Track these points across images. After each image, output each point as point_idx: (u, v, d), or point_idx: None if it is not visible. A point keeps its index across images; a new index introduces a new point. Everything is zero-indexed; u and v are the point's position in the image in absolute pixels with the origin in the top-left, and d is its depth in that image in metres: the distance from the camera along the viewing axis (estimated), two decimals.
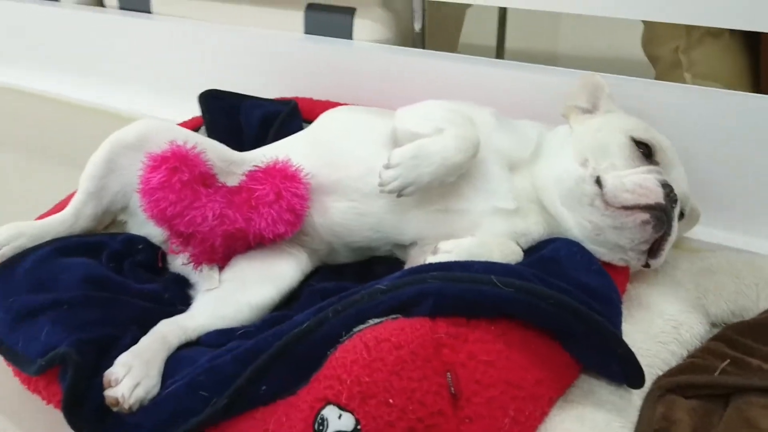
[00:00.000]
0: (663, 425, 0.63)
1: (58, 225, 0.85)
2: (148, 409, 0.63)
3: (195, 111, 1.15)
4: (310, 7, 1.32)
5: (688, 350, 0.75)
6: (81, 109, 1.56)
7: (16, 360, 0.70)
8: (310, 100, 1.19)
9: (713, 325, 0.79)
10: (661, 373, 0.70)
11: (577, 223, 0.78)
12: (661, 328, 0.75)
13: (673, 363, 0.72)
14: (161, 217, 0.77)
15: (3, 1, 1.70)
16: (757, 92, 0.97)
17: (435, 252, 0.73)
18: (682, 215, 0.80)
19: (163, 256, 0.88)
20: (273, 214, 0.78)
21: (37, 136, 1.46)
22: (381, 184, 0.75)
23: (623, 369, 0.65)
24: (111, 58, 1.57)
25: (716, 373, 0.68)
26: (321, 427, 0.58)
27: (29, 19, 1.67)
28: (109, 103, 1.53)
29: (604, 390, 0.67)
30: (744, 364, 0.69)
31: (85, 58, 1.61)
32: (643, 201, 0.73)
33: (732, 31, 1.03)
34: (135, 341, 0.69)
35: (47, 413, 0.71)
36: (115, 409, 0.62)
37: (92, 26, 1.56)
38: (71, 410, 0.63)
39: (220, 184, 0.81)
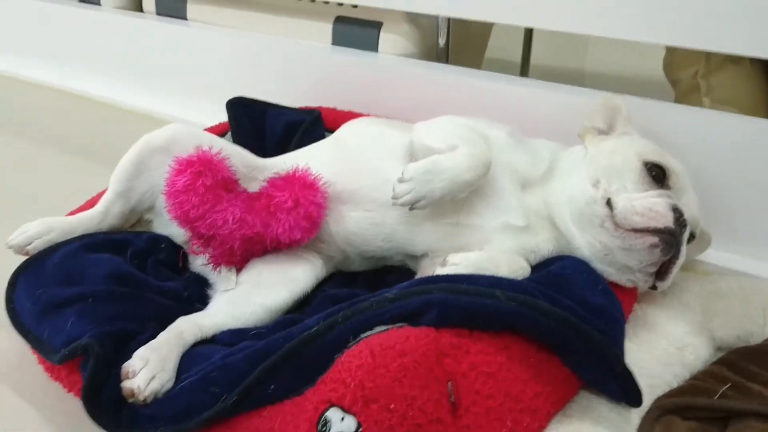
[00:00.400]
0: None
1: (87, 221, 0.89)
2: (161, 401, 0.66)
3: (223, 116, 1.19)
4: (339, 20, 1.35)
5: (692, 373, 0.75)
6: (116, 110, 1.61)
7: (42, 349, 0.73)
8: (334, 110, 1.22)
9: (718, 348, 0.80)
10: (661, 394, 0.71)
11: (587, 243, 0.79)
12: (665, 349, 0.76)
13: (675, 384, 0.73)
14: (184, 219, 0.80)
15: (45, 3, 1.77)
16: None
17: (444, 264, 0.75)
18: (692, 238, 0.81)
19: (185, 256, 0.91)
20: (290, 220, 0.80)
21: (72, 135, 1.51)
22: (394, 197, 0.78)
23: (621, 387, 0.66)
24: (146, 62, 1.61)
25: (716, 397, 0.69)
26: (324, 428, 0.59)
27: (70, 21, 1.73)
28: (142, 105, 1.58)
29: (603, 407, 0.68)
30: (745, 388, 0.69)
31: (121, 60, 1.66)
32: (653, 224, 0.74)
33: (752, 59, 1.03)
34: (153, 336, 0.72)
35: (67, 401, 0.74)
36: (130, 400, 0.65)
37: (130, 30, 1.62)
38: (90, 399, 0.66)
39: (241, 190, 0.84)
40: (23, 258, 0.83)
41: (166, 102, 1.56)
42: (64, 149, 1.42)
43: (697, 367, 0.76)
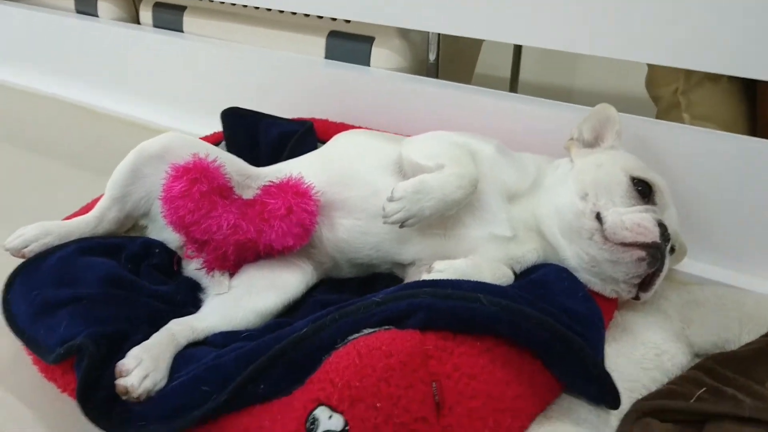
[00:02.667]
0: None
1: (83, 226, 0.90)
2: (154, 400, 0.67)
3: (218, 126, 1.21)
4: (332, 34, 1.38)
5: (670, 378, 0.77)
6: (112, 120, 1.62)
7: (37, 349, 0.75)
8: (326, 121, 1.24)
9: (696, 355, 0.82)
10: (640, 398, 0.74)
11: (575, 254, 0.82)
12: (643, 354, 0.78)
13: (653, 389, 0.75)
14: (180, 224, 0.82)
15: (43, 14, 1.79)
16: (753, 136, 1.00)
17: (429, 270, 0.77)
18: (672, 250, 0.84)
19: (179, 261, 0.93)
20: (283, 227, 0.82)
21: (68, 144, 1.52)
22: (385, 216, 0.79)
23: (600, 390, 0.68)
24: (143, 73, 1.63)
25: (692, 400, 0.71)
26: (312, 426, 0.61)
27: (67, 33, 1.75)
28: (138, 115, 1.59)
29: (583, 409, 0.70)
30: (720, 392, 0.72)
31: (118, 71, 1.68)
32: (641, 239, 0.76)
33: (730, 77, 1.06)
34: (146, 338, 0.73)
35: (62, 401, 0.75)
36: (124, 397, 0.67)
37: (127, 42, 1.63)
38: (84, 397, 0.67)
39: (236, 197, 0.86)
40: (20, 261, 0.85)
41: (162, 113, 1.58)
42: (58, 158, 1.44)
43: (674, 372, 0.78)
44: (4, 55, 1.94)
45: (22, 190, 1.31)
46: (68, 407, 0.75)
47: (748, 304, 0.85)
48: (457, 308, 0.67)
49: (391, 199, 0.79)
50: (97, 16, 1.76)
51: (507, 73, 1.66)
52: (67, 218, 0.95)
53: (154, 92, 1.63)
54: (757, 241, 0.94)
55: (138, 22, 1.73)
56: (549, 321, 0.66)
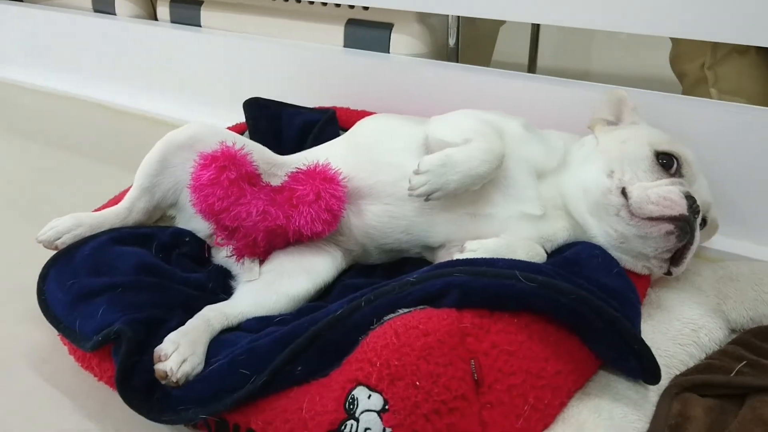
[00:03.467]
0: (678, 421, 0.65)
1: (114, 217, 0.91)
2: (192, 384, 0.68)
3: (239, 119, 1.21)
4: (350, 22, 1.38)
5: (707, 353, 0.77)
6: (132, 116, 1.64)
7: (74, 337, 0.76)
8: (348, 109, 1.24)
9: (732, 330, 0.81)
10: (678, 373, 0.73)
11: (603, 231, 0.81)
12: (679, 330, 0.78)
13: (691, 364, 0.75)
14: (209, 212, 0.82)
15: (61, 14, 1.80)
16: None
17: (462, 250, 0.77)
18: (704, 223, 0.83)
19: (209, 249, 0.93)
20: (312, 213, 0.82)
21: (92, 140, 1.55)
22: (410, 189, 0.79)
23: (640, 365, 0.68)
24: (162, 69, 1.64)
25: (732, 374, 0.70)
26: (351, 407, 0.61)
27: (87, 31, 1.76)
28: (158, 110, 1.61)
29: (621, 385, 0.70)
30: (760, 366, 0.71)
31: (138, 68, 1.69)
32: (668, 212, 0.75)
33: (758, 49, 1.05)
34: (181, 324, 0.74)
35: (99, 389, 0.77)
36: (163, 381, 0.67)
37: (145, 38, 1.65)
38: (123, 383, 0.68)
39: (264, 184, 0.87)
40: (51, 253, 0.86)
41: (182, 107, 1.59)
42: (81, 154, 1.46)
43: (711, 348, 0.78)
44: (24, 55, 1.96)
45: (48, 186, 1.33)
46: (105, 395, 0.76)
47: None
48: (493, 285, 0.67)
49: (417, 173, 0.79)
50: (114, 14, 1.77)
51: (523, 59, 1.65)
52: (97, 210, 0.96)
53: (174, 87, 1.63)
54: None
55: (155, 19, 1.74)
56: (588, 296, 0.66)
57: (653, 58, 1.29)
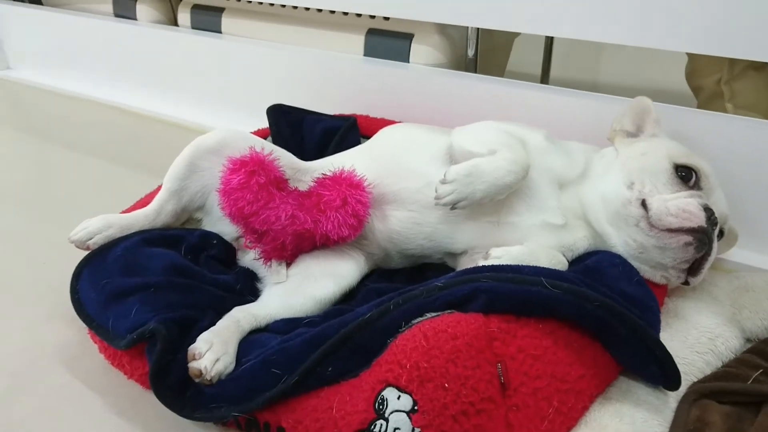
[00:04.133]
0: (697, 426, 0.67)
1: (143, 219, 0.93)
2: (225, 382, 0.70)
3: (258, 125, 1.23)
4: (371, 32, 1.40)
5: (723, 362, 0.78)
6: (154, 121, 1.65)
7: (107, 336, 0.77)
8: (368, 117, 1.26)
9: (747, 340, 0.83)
10: (696, 380, 0.75)
11: (622, 241, 0.83)
12: (697, 338, 0.79)
13: (708, 372, 0.76)
14: (239, 215, 0.84)
15: (82, 18, 1.83)
16: None
17: (486, 257, 0.79)
18: (721, 234, 0.85)
19: (235, 252, 0.95)
20: (339, 218, 0.84)
21: (113, 143, 1.57)
22: (437, 197, 0.81)
23: (661, 371, 0.69)
24: (183, 75, 1.66)
25: (749, 382, 0.72)
26: (381, 407, 0.63)
27: (109, 37, 1.78)
28: (179, 116, 1.62)
29: (641, 390, 0.72)
30: None
31: (158, 74, 1.71)
32: (687, 224, 0.77)
33: None
34: (212, 324, 0.76)
35: (128, 387, 0.78)
36: (197, 380, 0.69)
37: (166, 44, 1.66)
38: (157, 381, 0.69)
39: (292, 188, 0.89)
40: (78, 253, 0.87)
41: (203, 113, 1.61)
42: (109, 159, 1.47)
43: (728, 356, 0.79)
44: (46, 59, 1.98)
45: (71, 188, 1.35)
46: (136, 393, 0.78)
47: None
48: (519, 291, 0.69)
49: (443, 182, 0.81)
50: (135, 19, 1.79)
51: (536, 69, 1.68)
52: (125, 212, 0.97)
53: (195, 93, 1.65)
54: None
55: (176, 24, 1.76)
56: (612, 303, 0.68)
57: (665, 72, 1.31)
